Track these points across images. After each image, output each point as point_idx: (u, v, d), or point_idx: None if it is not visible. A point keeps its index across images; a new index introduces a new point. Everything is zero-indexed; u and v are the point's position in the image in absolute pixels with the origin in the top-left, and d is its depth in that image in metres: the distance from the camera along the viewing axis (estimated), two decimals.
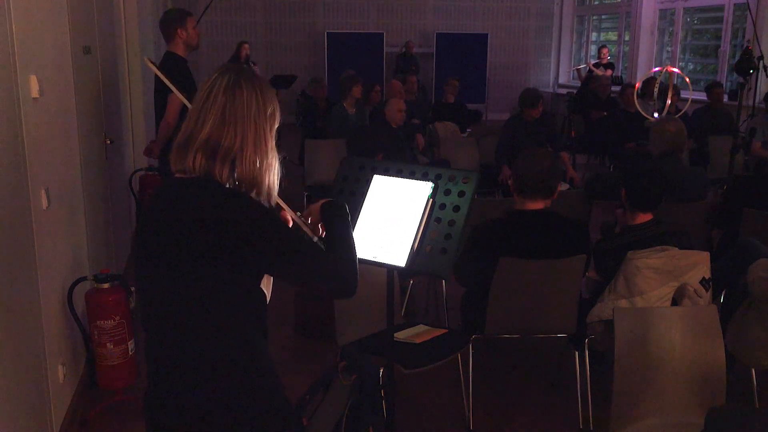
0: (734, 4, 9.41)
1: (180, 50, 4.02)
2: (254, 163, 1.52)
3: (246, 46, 10.00)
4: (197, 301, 1.49)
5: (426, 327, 3.16)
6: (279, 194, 1.66)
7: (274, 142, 1.58)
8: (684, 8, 10.49)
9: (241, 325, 1.54)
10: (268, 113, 1.55)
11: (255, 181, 1.54)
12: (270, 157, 1.56)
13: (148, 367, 1.61)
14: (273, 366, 1.62)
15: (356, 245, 1.69)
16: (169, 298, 1.52)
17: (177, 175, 1.56)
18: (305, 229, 1.72)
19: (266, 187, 1.57)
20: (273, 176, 1.58)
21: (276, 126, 1.59)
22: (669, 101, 6.38)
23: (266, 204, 1.59)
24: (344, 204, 1.77)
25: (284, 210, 1.73)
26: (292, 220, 1.74)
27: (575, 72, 12.08)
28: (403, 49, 12.20)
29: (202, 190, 1.50)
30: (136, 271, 1.60)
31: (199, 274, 1.48)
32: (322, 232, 1.76)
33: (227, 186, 1.52)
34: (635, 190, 3.09)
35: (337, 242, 1.66)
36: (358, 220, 2.03)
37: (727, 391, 2.41)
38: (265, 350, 1.60)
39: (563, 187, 4.92)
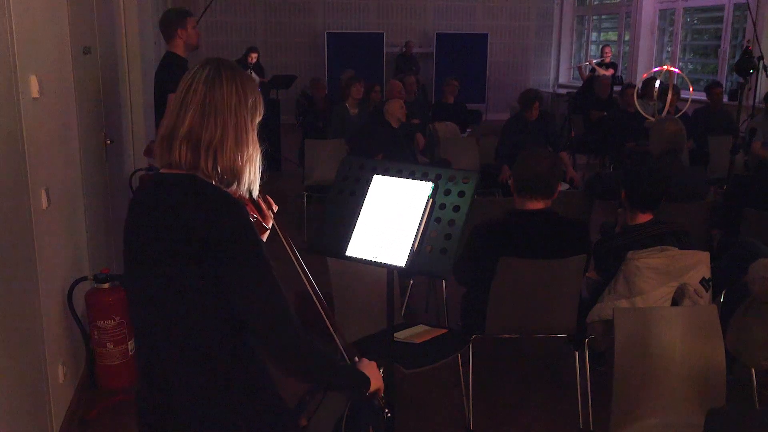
0: (734, 4, 9.41)
1: (180, 50, 4.01)
2: (235, 155, 1.50)
3: (254, 55, 9.66)
4: (183, 300, 1.47)
5: (426, 327, 3.15)
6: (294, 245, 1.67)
7: (255, 135, 1.56)
8: (684, 8, 10.49)
9: (231, 324, 1.51)
10: (249, 104, 1.53)
11: (235, 173, 1.52)
12: (251, 149, 1.54)
13: (138, 367, 1.58)
14: (267, 365, 1.58)
15: (325, 364, 1.61)
16: (156, 297, 1.50)
17: (162, 170, 1.54)
18: (342, 349, 1.73)
19: (247, 179, 1.55)
20: (254, 169, 1.56)
21: (258, 118, 1.57)
22: (669, 101, 6.37)
23: (247, 195, 1.57)
24: (363, 376, 1.74)
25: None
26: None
27: (576, 70, 12.06)
28: (403, 49, 12.18)
29: (186, 189, 1.48)
30: (124, 270, 1.58)
31: (183, 274, 1.46)
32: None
33: (213, 182, 1.50)
34: (635, 190, 3.09)
35: (319, 353, 1.58)
36: (358, 220, 2.03)
37: (727, 391, 2.41)
38: (257, 349, 1.57)
39: (563, 187, 4.91)
